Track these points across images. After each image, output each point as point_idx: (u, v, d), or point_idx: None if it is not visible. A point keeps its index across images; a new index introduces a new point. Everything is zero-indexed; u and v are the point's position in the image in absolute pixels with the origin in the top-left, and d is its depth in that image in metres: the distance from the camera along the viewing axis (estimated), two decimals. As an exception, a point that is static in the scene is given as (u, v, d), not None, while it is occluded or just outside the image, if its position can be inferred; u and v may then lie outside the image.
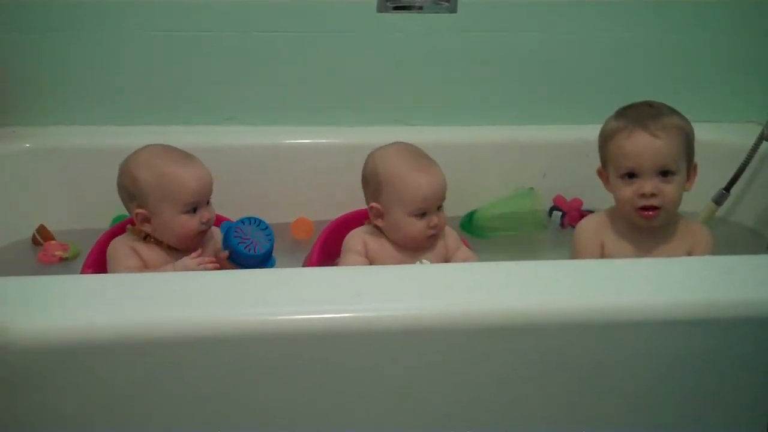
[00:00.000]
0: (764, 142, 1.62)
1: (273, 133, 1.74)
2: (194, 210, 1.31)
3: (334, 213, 1.58)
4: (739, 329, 1.05)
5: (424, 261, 1.34)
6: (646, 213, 1.31)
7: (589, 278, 1.08)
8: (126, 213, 1.48)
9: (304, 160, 1.73)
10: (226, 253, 1.31)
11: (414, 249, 1.38)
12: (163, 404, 1.03)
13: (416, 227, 1.34)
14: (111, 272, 1.32)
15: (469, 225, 1.73)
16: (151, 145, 1.36)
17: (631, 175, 1.30)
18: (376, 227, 1.39)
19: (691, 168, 1.32)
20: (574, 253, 1.42)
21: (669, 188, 1.29)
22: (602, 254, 1.37)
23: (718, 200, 1.67)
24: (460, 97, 1.78)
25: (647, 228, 1.34)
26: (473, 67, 1.75)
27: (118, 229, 1.45)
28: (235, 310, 1.00)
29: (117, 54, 1.68)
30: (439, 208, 1.36)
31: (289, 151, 1.73)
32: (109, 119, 1.73)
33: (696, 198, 1.59)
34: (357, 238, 1.39)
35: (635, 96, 1.39)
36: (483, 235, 1.72)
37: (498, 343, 1.03)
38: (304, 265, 1.48)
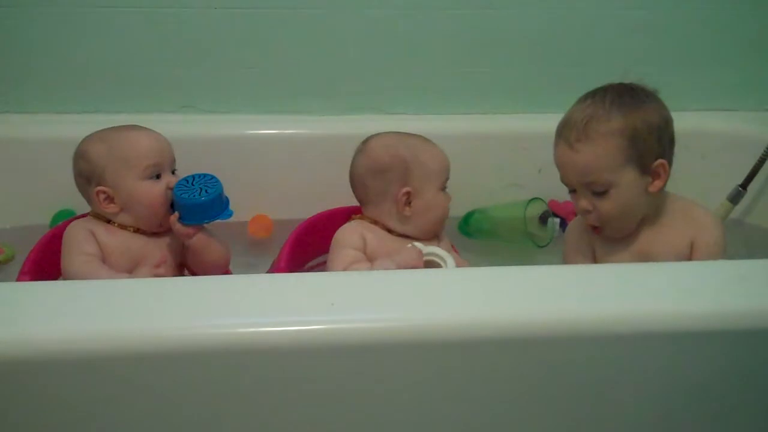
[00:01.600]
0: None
1: (235, 123, 1.70)
2: (157, 176, 1.30)
3: (300, 211, 1.53)
4: (753, 341, 1.00)
5: (416, 244, 1.32)
6: (592, 229, 1.27)
7: (585, 285, 1.04)
8: (70, 208, 1.50)
9: (270, 153, 1.68)
10: (176, 214, 1.28)
11: (432, 236, 1.39)
12: (110, 424, 0.98)
13: (446, 201, 1.38)
14: (64, 258, 1.28)
15: (466, 226, 1.70)
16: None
17: (572, 188, 1.26)
18: (374, 222, 1.37)
19: (654, 168, 1.21)
20: (564, 257, 1.38)
21: (604, 204, 1.22)
22: (594, 256, 1.33)
23: (734, 199, 1.61)
24: (444, 82, 1.75)
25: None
26: (459, 49, 1.72)
27: (60, 230, 1.37)
28: (189, 323, 0.94)
29: (54, 33, 1.62)
30: None
31: (254, 142, 1.68)
32: (48, 106, 1.67)
33: (709, 195, 1.54)
34: (353, 232, 1.36)
35: (641, 82, 1.31)
36: (478, 237, 1.69)
37: (489, 357, 0.99)
38: (270, 271, 1.42)
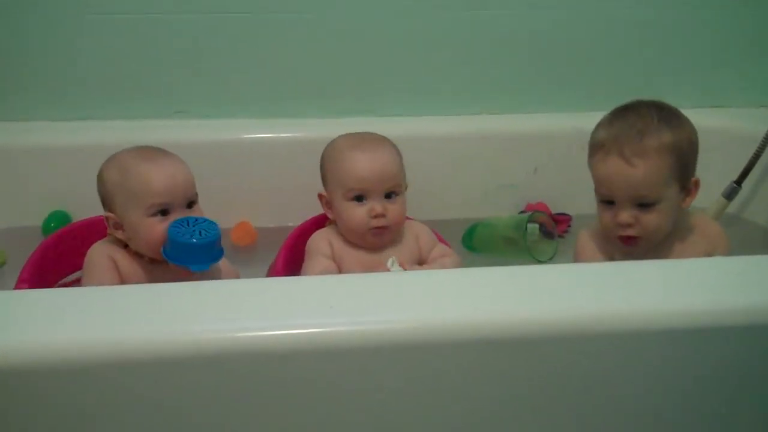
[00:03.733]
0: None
1: (229, 127, 1.68)
2: (164, 213, 1.24)
3: (289, 218, 1.55)
4: (751, 338, 1.00)
5: (392, 260, 1.29)
6: (626, 241, 1.26)
7: (582, 283, 1.03)
8: (63, 209, 1.54)
9: (264, 157, 1.66)
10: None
11: (365, 246, 1.33)
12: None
13: (355, 214, 1.29)
14: (85, 280, 1.29)
15: (470, 241, 1.65)
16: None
17: (609, 201, 1.26)
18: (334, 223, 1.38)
19: (690, 184, 1.26)
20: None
21: (649, 218, 1.23)
22: None
23: (729, 195, 1.60)
24: (438, 83, 1.73)
25: None
26: (452, 49, 1.70)
27: (58, 239, 1.39)
28: (188, 328, 0.94)
29: (45, 42, 1.60)
30: (390, 196, 1.30)
31: (248, 146, 1.67)
32: (41, 114, 1.65)
33: (707, 192, 1.49)
34: (322, 239, 1.35)
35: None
36: (481, 251, 1.65)
37: (489, 358, 0.98)
38: (268, 275, 1.42)
